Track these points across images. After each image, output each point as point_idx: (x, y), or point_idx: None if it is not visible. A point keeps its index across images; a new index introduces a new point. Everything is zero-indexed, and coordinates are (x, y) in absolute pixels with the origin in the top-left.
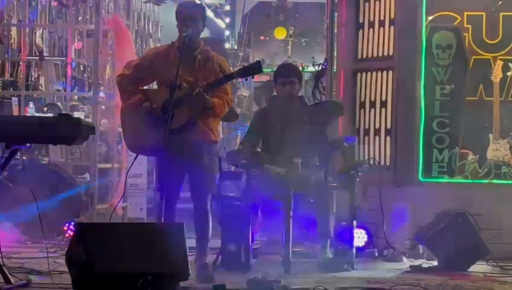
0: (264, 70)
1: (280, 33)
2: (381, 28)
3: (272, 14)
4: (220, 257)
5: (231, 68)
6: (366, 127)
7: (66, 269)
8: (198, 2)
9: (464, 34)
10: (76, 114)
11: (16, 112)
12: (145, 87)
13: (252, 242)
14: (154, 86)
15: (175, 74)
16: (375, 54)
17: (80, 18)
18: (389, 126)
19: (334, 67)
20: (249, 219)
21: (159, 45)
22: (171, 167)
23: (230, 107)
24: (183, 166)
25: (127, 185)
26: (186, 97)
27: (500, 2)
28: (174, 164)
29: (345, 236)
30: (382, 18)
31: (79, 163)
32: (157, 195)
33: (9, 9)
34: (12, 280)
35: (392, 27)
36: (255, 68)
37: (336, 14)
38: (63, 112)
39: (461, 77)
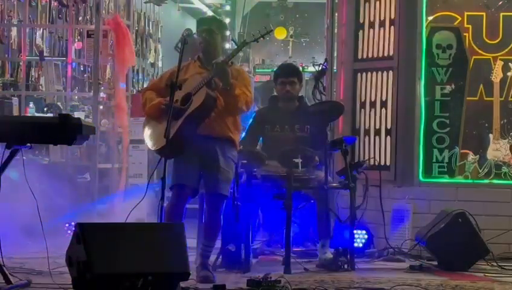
0: (264, 70)
1: (280, 33)
2: (381, 28)
3: (272, 14)
4: (220, 257)
5: (249, 77)
6: (366, 127)
7: (66, 269)
8: (218, 17)
9: (464, 34)
10: (76, 114)
11: (16, 112)
12: None
13: (252, 242)
14: None
15: (175, 74)
16: (375, 54)
17: (80, 18)
18: (389, 126)
19: (334, 67)
20: (249, 219)
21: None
22: (188, 167)
23: (248, 105)
24: (199, 166)
25: (127, 185)
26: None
27: (500, 2)
28: (191, 163)
29: (345, 236)
30: (382, 18)
31: (79, 163)
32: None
33: (9, 9)
34: (12, 280)
35: (392, 27)
36: (265, 32)
37: (336, 14)
38: (63, 112)
39: (461, 77)
